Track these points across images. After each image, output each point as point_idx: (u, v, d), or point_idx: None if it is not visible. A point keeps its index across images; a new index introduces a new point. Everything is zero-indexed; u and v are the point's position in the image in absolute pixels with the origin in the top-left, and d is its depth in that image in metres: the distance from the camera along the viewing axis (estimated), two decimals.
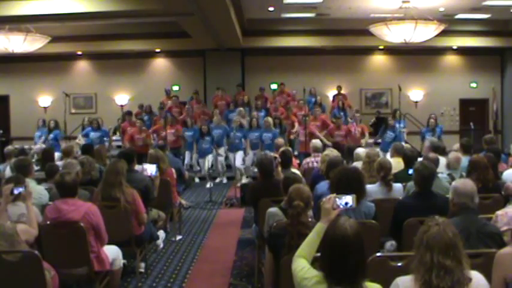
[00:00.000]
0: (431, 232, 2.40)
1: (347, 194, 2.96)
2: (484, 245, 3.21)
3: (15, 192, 3.94)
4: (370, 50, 16.84)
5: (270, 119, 11.24)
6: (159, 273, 5.53)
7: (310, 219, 3.45)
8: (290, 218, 3.33)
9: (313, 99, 14.06)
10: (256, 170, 10.63)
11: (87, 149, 7.72)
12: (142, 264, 5.38)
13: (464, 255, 2.39)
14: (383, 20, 11.67)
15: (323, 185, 4.82)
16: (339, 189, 3.44)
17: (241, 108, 12.60)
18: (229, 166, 11.71)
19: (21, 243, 3.46)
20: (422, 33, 11.58)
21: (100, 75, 17.23)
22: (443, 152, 6.90)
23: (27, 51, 12.08)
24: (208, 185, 10.36)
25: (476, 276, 2.41)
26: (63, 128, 12.63)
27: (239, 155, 11.02)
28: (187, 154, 11.74)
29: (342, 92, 15.44)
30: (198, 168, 11.71)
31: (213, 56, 16.45)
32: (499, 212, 3.71)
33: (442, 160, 6.15)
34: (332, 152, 6.11)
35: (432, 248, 2.35)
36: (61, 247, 4.03)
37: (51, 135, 11.46)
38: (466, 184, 3.54)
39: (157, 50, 16.86)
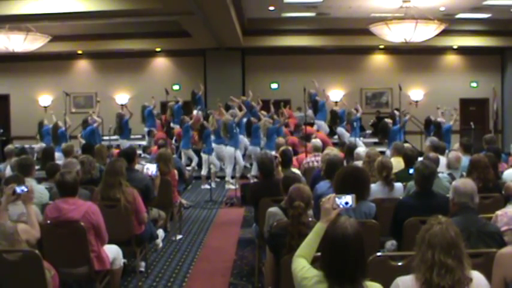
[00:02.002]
0: (434, 230, 2.40)
1: (347, 193, 2.96)
2: (484, 244, 3.20)
3: (18, 191, 3.89)
4: (370, 50, 16.86)
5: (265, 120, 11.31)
6: (159, 272, 5.53)
7: (310, 219, 3.44)
8: (291, 218, 3.32)
9: (314, 96, 13.95)
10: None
11: (87, 148, 7.72)
12: (143, 264, 5.38)
13: (465, 255, 2.39)
14: (383, 20, 11.68)
15: (323, 185, 4.81)
16: (345, 188, 3.43)
17: (235, 110, 12.59)
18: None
19: (21, 242, 3.46)
20: (423, 32, 11.60)
21: (100, 75, 17.26)
22: (443, 151, 6.90)
23: (28, 50, 12.09)
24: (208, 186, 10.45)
25: (477, 276, 2.41)
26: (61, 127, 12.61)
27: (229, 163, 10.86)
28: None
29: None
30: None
31: (213, 56, 16.46)
32: (498, 212, 3.71)
33: (442, 160, 6.15)
34: (332, 151, 6.11)
35: (434, 246, 2.35)
36: (61, 246, 4.03)
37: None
38: (467, 184, 3.53)
39: (158, 50, 16.88)
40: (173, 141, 12.40)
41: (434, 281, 2.30)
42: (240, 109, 11.65)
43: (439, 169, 5.40)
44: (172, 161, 6.84)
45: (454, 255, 2.33)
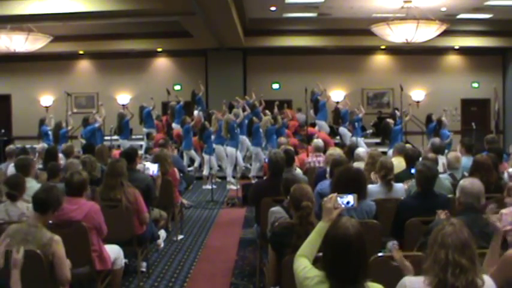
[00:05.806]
0: (447, 230, 2.35)
1: (348, 193, 2.97)
2: (486, 245, 3.19)
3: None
4: (371, 50, 16.85)
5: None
6: (161, 272, 5.53)
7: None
8: (299, 218, 3.31)
9: (316, 95, 13.94)
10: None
11: (88, 148, 7.72)
12: (144, 264, 5.39)
13: (477, 257, 2.35)
14: (385, 20, 11.68)
15: (328, 185, 4.77)
16: (340, 188, 3.43)
17: (237, 110, 12.62)
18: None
19: (49, 256, 3.43)
20: (424, 33, 11.58)
21: (102, 75, 17.27)
22: (442, 152, 6.90)
23: (29, 50, 12.10)
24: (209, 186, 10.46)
25: (487, 280, 2.38)
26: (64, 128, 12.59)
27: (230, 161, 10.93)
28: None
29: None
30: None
31: (214, 56, 16.47)
32: (503, 211, 3.68)
33: (441, 160, 6.15)
34: (335, 151, 6.10)
35: (448, 246, 2.30)
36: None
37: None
38: (474, 184, 3.49)
39: (159, 50, 16.88)
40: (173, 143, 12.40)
41: (449, 281, 2.25)
42: (244, 110, 11.66)
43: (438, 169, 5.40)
44: (169, 159, 6.82)
45: (468, 256, 2.29)
